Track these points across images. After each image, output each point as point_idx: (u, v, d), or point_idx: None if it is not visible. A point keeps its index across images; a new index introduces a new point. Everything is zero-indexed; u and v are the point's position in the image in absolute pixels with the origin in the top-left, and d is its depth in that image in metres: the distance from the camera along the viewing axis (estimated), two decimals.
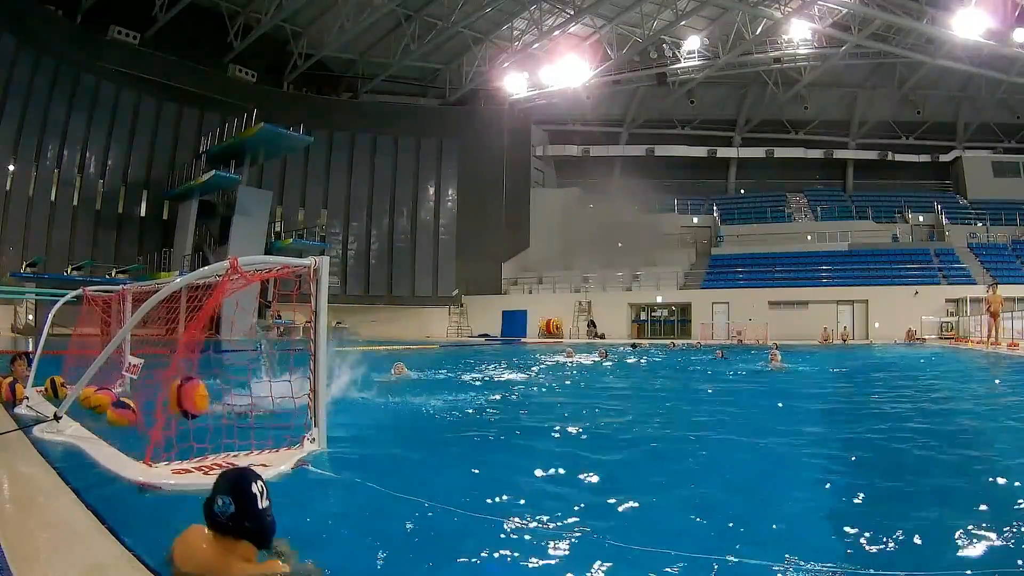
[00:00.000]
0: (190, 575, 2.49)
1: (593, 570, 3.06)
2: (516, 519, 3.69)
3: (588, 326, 36.50)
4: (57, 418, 5.41)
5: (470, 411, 8.45)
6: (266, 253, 24.76)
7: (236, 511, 2.52)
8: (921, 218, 41.54)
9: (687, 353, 23.14)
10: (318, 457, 4.86)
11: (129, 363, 6.48)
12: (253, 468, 4.47)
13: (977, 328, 26.66)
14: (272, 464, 4.56)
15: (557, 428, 6.98)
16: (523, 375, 14.21)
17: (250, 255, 5.15)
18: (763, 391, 11.16)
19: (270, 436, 5.00)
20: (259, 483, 2.63)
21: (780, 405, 9.31)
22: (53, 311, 8.65)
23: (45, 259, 28.30)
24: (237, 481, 2.63)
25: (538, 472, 4.90)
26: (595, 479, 4.79)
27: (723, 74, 40.88)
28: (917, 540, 3.40)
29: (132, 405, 6.01)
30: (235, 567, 2.47)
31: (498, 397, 9.89)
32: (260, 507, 2.57)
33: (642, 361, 19.63)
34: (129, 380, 6.92)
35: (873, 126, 45.25)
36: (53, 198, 30.50)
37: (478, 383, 12.11)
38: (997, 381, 12.76)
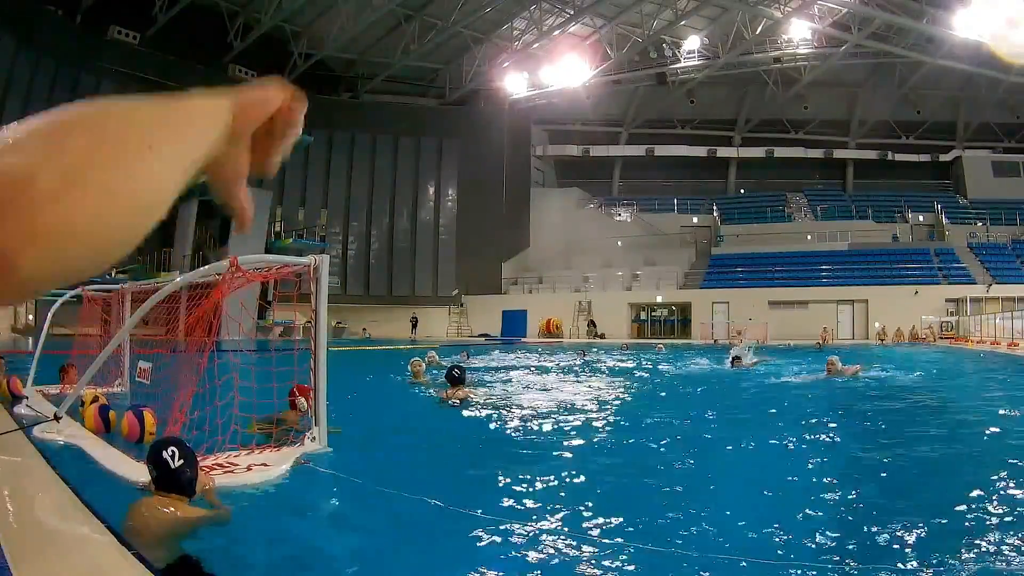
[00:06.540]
0: (137, 525, 3.10)
1: (592, 569, 3.05)
2: (516, 519, 3.69)
3: (588, 326, 36.47)
4: (57, 418, 5.41)
5: (467, 410, 8.43)
6: (266, 253, 24.76)
7: (158, 473, 3.22)
8: (921, 218, 41.51)
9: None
10: (319, 455, 4.87)
11: (139, 368, 6.49)
12: (254, 466, 4.48)
13: (977, 328, 26.67)
14: (273, 463, 4.56)
15: (550, 428, 6.97)
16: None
17: (250, 255, 5.15)
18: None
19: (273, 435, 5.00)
20: (170, 449, 3.24)
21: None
22: (52, 311, 8.66)
23: None
24: (154, 452, 3.29)
25: (536, 472, 4.90)
26: (592, 480, 4.79)
27: (723, 74, 40.80)
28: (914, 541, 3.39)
29: (148, 419, 5.31)
30: (167, 511, 3.17)
31: (491, 396, 9.88)
32: (173, 467, 3.20)
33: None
34: (130, 381, 6.91)
35: (873, 126, 45.19)
36: None
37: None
38: None
